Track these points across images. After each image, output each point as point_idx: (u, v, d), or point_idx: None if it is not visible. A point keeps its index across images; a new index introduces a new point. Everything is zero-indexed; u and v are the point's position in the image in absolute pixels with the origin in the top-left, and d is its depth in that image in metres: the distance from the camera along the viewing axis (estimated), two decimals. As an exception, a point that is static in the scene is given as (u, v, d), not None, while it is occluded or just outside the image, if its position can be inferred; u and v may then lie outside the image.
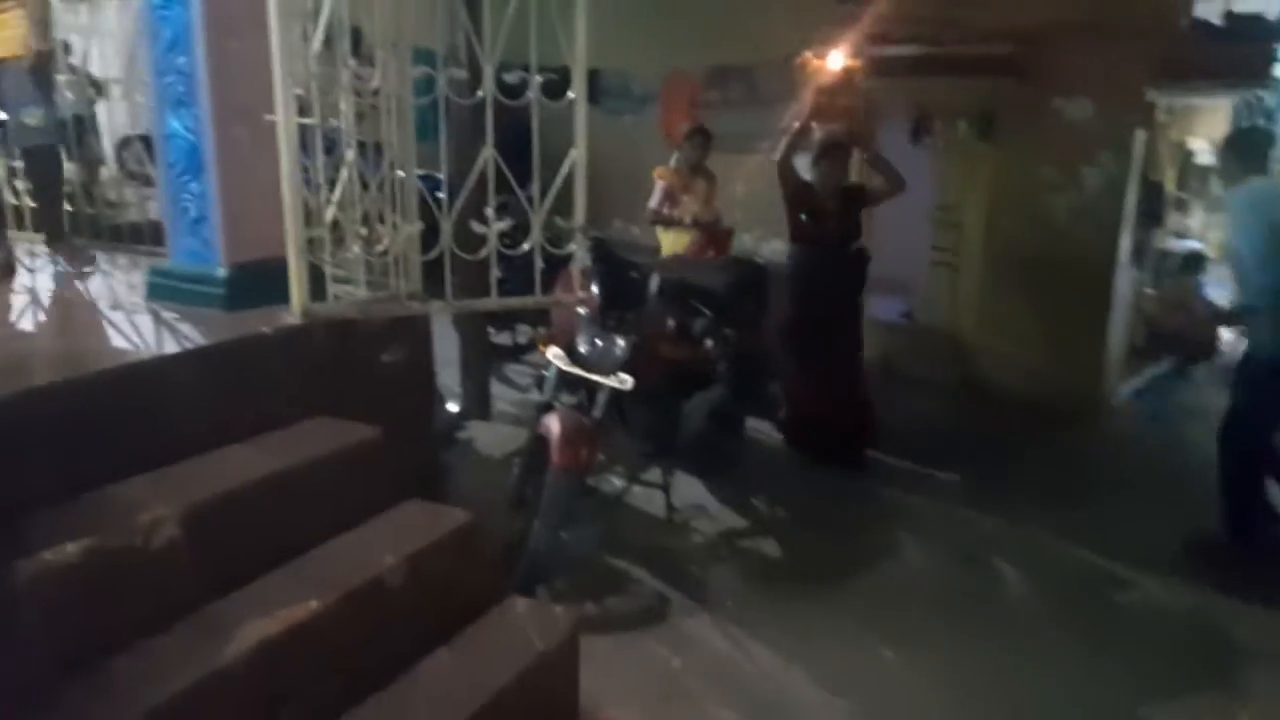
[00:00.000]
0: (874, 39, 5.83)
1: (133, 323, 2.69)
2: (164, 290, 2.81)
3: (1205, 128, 9.93)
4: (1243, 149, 4.09)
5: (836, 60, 5.00)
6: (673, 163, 5.91)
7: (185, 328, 2.57)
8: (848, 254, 4.99)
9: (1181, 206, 14.01)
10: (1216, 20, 5.87)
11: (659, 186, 5.84)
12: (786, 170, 4.98)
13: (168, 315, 2.68)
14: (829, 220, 4.90)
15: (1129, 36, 5.39)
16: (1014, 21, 5.59)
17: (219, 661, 1.85)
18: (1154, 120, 6.17)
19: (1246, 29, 5.66)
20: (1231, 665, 3.28)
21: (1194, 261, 9.55)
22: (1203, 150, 13.32)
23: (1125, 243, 6.10)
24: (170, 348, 2.44)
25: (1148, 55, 5.46)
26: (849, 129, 5.08)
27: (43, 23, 3.10)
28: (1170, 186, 9.01)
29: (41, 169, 3.25)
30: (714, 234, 5.80)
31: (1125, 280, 6.36)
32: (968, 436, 5.65)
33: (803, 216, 5.00)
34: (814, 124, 5.12)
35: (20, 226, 3.50)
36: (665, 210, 5.80)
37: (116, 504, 2.06)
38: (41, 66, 3.11)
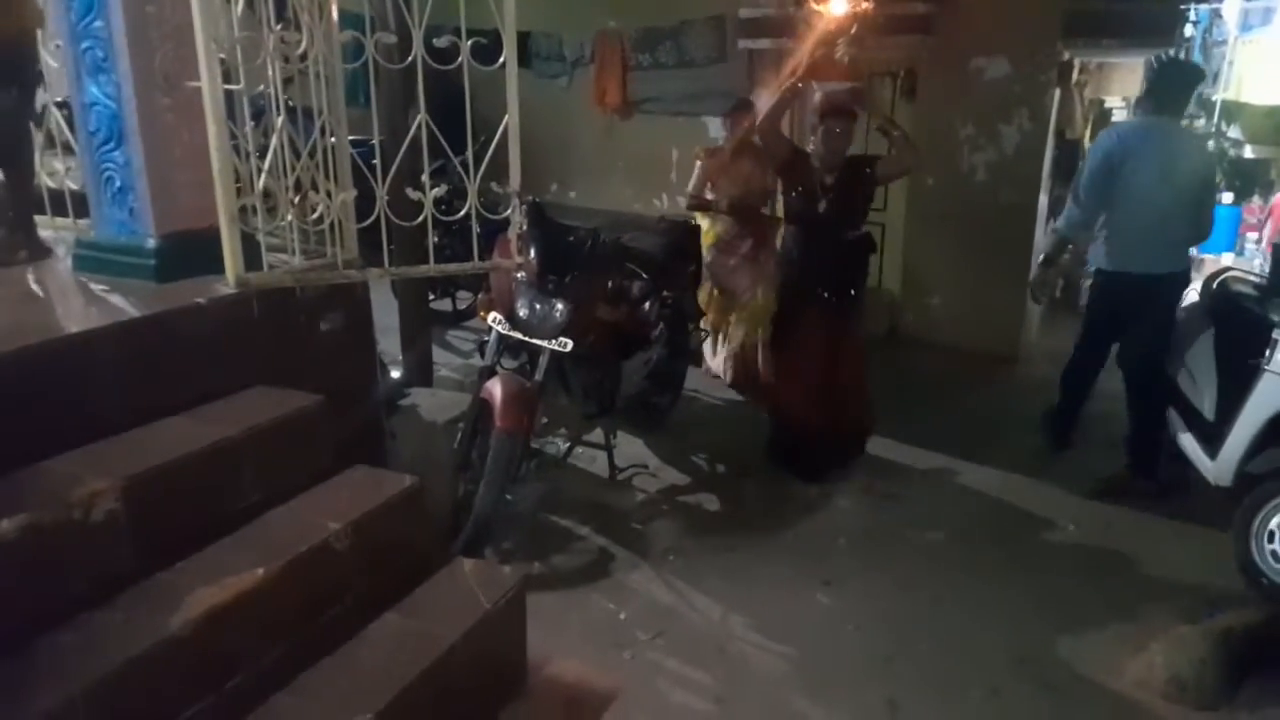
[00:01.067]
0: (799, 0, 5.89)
1: (62, 295, 2.63)
2: (91, 262, 2.74)
3: (1120, 85, 10.23)
4: (1161, 82, 4.17)
5: (840, 5, 4.09)
6: (721, 140, 5.30)
7: (116, 299, 2.52)
8: (847, 239, 4.29)
9: (1097, 163, 14.25)
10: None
11: (697, 167, 5.18)
12: (774, 137, 4.28)
13: (97, 288, 2.62)
14: (827, 197, 4.19)
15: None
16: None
17: (167, 630, 1.86)
18: (1069, 78, 6.37)
19: (1153, -11, 5.86)
20: (1138, 598, 3.49)
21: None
22: (1119, 107, 13.72)
23: (1043, 199, 6.33)
24: (101, 320, 2.38)
25: (1059, 13, 5.64)
26: (855, 89, 4.34)
27: None
28: (1087, 143, 9.31)
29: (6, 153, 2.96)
30: (755, 221, 5.10)
31: (1044, 235, 6.60)
32: (895, 386, 5.85)
33: (794, 193, 4.30)
34: (811, 83, 4.44)
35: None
36: (705, 194, 5.13)
37: (53, 479, 2.04)
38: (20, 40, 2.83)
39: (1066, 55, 6.00)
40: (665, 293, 4.50)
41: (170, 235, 2.69)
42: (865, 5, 4.10)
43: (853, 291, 4.36)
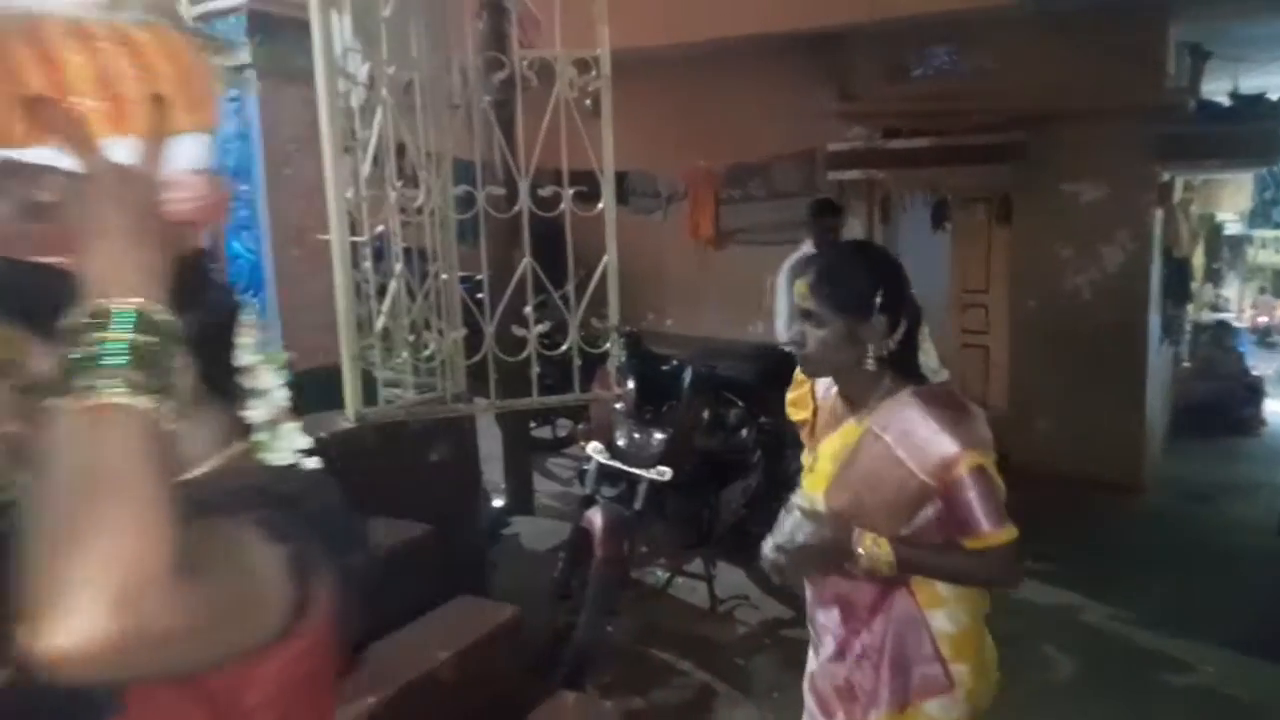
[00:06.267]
0: (888, 133, 6.06)
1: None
2: (225, 401, 2.97)
3: (1230, 201, 9.99)
4: None
5: None
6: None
7: (245, 435, 2.71)
8: None
9: (1215, 278, 13.92)
10: (1223, 100, 6.02)
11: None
12: None
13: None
14: None
15: (1136, 120, 5.56)
16: (1022, 109, 5.77)
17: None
18: (1170, 198, 6.28)
19: (1250, 109, 5.79)
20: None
21: (1225, 332, 9.55)
22: (1232, 220, 13.27)
23: (1154, 319, 6.15)
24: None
25: (1155, 136, 5.61)
26: None
27: None
28: (1199, 260, 9.04)
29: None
30: None
31: (1158, 355, 6.37)
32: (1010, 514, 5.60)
33: None
34: None
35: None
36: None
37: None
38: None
39: (1166, 175, 5.94)
40: (762, 419, 4.50)
41: (297, 374, 2.89)
42: None
43: None
